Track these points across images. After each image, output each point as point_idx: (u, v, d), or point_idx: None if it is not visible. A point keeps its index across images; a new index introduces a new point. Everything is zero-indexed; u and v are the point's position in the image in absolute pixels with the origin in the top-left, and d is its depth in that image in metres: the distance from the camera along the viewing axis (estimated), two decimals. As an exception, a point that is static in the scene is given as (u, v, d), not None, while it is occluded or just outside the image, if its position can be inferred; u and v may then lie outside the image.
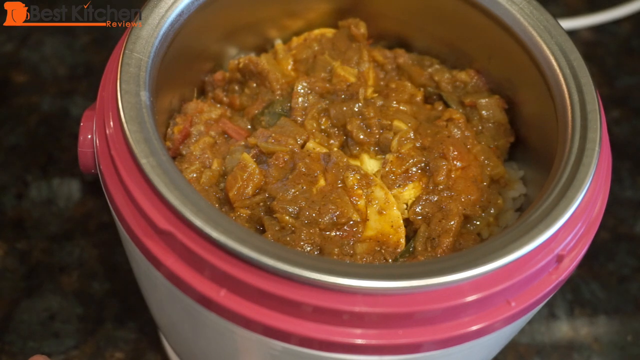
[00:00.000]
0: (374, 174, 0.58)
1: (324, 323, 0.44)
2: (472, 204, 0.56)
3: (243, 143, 0.59)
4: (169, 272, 0.45)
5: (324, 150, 0.58)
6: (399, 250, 0.54)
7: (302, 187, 0.54)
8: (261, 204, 0.54)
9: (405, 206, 0.57)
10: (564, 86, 0.54)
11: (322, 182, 0.55)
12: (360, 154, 0.59)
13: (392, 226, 0.55)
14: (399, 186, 0.57)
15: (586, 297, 0.81)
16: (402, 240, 0.55)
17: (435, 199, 0.56)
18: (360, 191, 0.55)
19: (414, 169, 0.57)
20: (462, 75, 0.64)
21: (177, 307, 0.50)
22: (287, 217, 0.52)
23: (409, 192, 0.57)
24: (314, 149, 0.57)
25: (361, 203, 0.55)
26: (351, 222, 0.54)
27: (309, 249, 0.51)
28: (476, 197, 0.57)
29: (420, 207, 0.56)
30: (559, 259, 0.47)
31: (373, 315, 0.43)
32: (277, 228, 0.52)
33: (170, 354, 0.72)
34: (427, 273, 0.43)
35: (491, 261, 0.44)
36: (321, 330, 0.44)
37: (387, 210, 0.55)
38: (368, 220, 0.54)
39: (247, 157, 0.55)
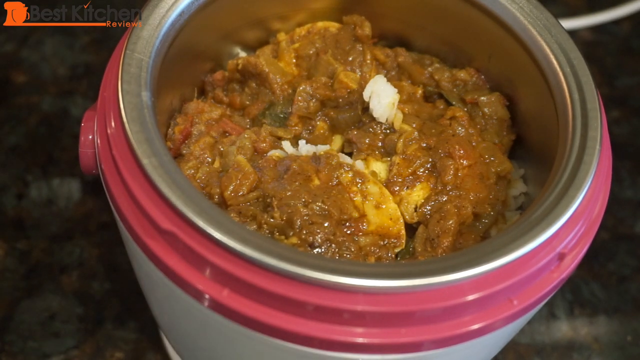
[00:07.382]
0: (381, 177, 0.58)
1: (325, 322, 0.44)
2: (482, 201, 0.56)
3: (246, 135, 0.59)
4: (171, 272, 0.45)
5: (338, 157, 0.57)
6: (399, 242, 0.54)
7: (298, 184, 0.54)
8: (255, 200, 0.54)
9: (414, 208, 0.57)
10: (564, 84, 0.54)
11: (316, 181, 0.55)
12: (366, 158, 0.59)
13: (390, 219, 0.55)
14: (408, 188, 0.57)
15: (586, 297, 0.81)
16: (403, 232, 0.55)
17: (445, 199, 0.56)
18: (355, 188, 0.55)
19: (421, 170, 0.57)
20: (462, 74, 0.64)
21: (179, 306, 0.50)
22: (299, 210, 0.52)
23: (417, 193, 0.57)
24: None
25: (358, 199, 0.55)
26: (352, 218, 0.54)
27: (319, 241, 0.51)
28: (484, 194, 0.57)
29: (429, 209, 0.56)
30: (561, 257, 0.47)
31: (374, 314, 0.43)
32: (272, 221, 0.52)
33: (171, 354, 0.72)
34: (428, 272, 0.43)
35: (493, 259, 0.44)
36: (322, 329, 0.44)
37: (384, 204, 0.55)
38: (366, 215, 0.54)
39: (242, 160, 0.56)
